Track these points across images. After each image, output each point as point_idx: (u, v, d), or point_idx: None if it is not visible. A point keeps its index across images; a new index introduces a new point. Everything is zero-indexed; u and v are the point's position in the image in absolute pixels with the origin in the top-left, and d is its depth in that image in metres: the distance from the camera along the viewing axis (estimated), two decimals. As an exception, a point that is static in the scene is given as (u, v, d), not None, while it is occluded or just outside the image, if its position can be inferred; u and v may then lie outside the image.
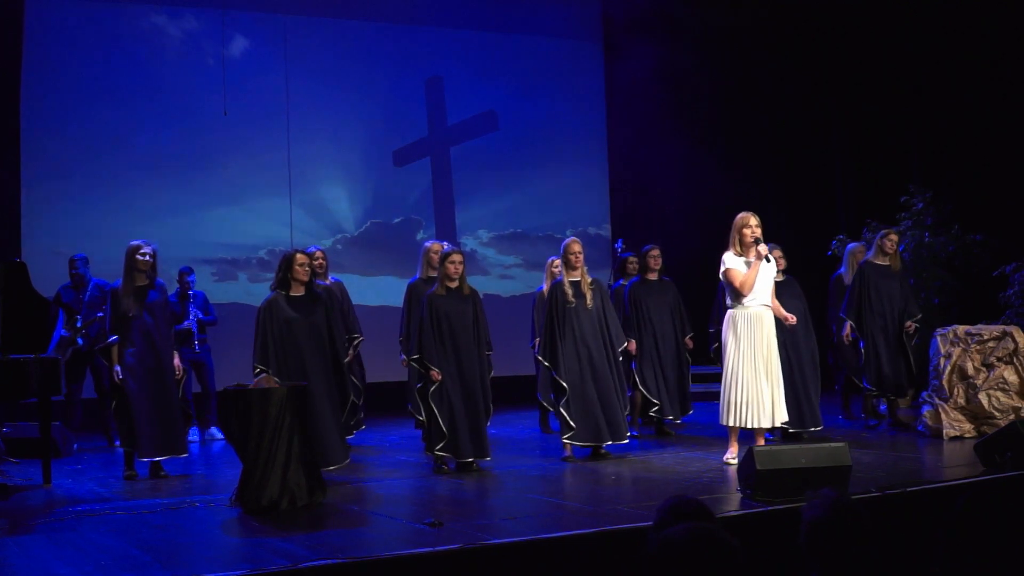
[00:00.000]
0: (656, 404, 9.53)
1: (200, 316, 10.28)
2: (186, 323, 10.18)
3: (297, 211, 13.11)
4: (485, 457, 7.82)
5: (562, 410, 8.15)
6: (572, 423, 8.11)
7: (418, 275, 9.30)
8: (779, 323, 8.02)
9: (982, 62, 12.31)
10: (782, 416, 7.69)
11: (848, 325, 9.52)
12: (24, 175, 11.87)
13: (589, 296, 8.32)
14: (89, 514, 6.33)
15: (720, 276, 7.74)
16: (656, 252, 9.83)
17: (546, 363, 8.28)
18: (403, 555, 4.99)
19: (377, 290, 13.21)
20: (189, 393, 10.30)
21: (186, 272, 10.38)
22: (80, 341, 9.62)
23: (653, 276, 9.82)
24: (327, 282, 9.27)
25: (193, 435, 10.17)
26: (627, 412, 8.79)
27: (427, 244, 9.43)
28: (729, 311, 7.69)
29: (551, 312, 8.30)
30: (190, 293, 10.31)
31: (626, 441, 8.33)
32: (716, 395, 10.97)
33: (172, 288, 10.53)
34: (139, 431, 7.64)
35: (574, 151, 14.72)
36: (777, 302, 7.82)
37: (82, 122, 12.12)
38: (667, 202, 14.50)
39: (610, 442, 8.20)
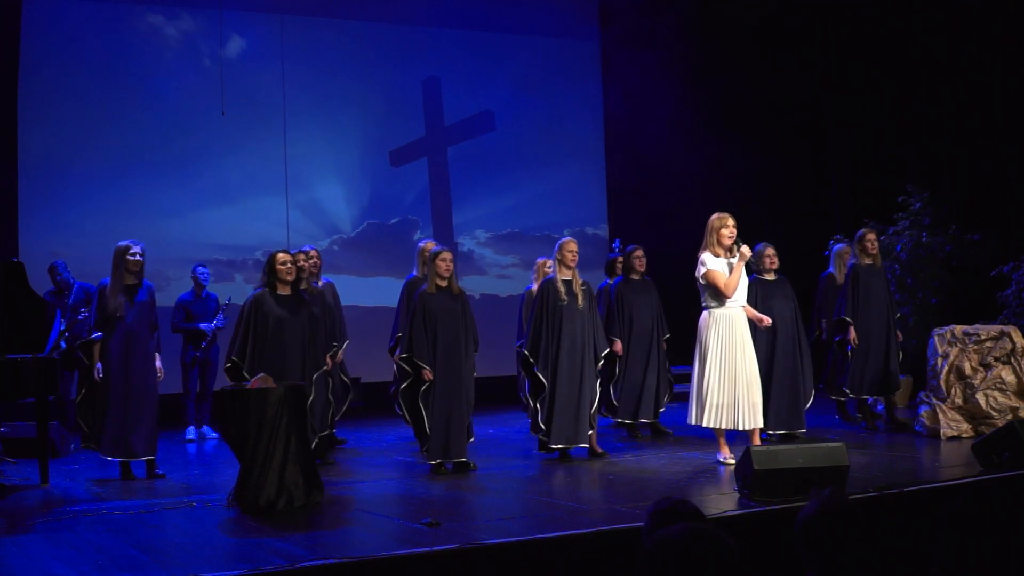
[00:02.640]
0: (616, 405, 9.55)
1: (221, 323, 10.28)
2: (202, 325, 10.19)
3: (293, 211, 13.11)
4: (462, 458, 7.81)
5: (537, 406, 8.16)
6: (542, 424, 8.12)
7: (415, 273, 9.33)
8: (780, 324, 8.06)
9: (979, 62, 12.31)
10: (759, 419, 7.69)
11: (852, 328, 9.49)
12: (21, 175, 11.86)
13: (580, 297, 8.32)
14: (86, 514, 6.32)
15: (699, 277, 7.73)
16: (640, 253, 9.86)
17: (531, 358, 8.26)
18: (400, 555, 4.99)
19: (374, 291, 13.20)
20: (193, 392, 10.32)
21: (200, 268, 10.48)
22: (63, 344, 9.62)
23: (636, 276, 9.84)
24: (319, 283, 9.24)
25: (190, 434, 10.17)
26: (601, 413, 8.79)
27: (422, 243, 9.48)
28: (709, 312, 7.69)
29: (540, 308, 8.30)
30: (205, 292, 10.36)
31: (585, 446, 8.30)
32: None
33: (184, 288, 10.61)
34: (106, 429, 7.64)
35: (571, 151, 14.72)
36: (748, 307, 7.84)
37: (79, 122, 12.12)
38: (664, 202, 14.49)
39: (576, 445, 8.19)
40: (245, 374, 7.19)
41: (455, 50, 14.11)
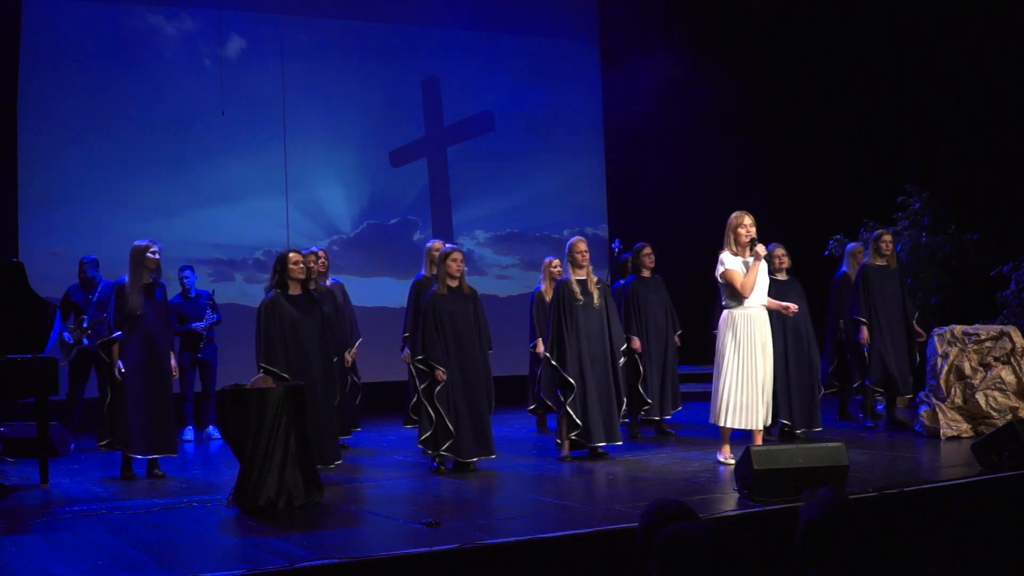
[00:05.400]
0: (649, 403, 9.54)
1: (215, 319, 10.30)
2: (194, 325, 10.20)
3: (293, 212, 13.11)
4: (491, 455, 7.83)
5: (569, 408, 8.16)
6: (579, 421, 8.12)
7: (423, 272, 9.35)
8: (781, 319, 8.03)
9: (979, 62, 12.32)
10: (769, 417, 7.69)
11: (865, 328, 9.47)
12: (21, 175, 11.86)
13: (596, 295, 8.33)
14: (86, 514, 6.33)
15: (718, 276, 7.74)
16: (649, 250, 9.85)
17: (553, 361, 8.28)
18: (400, 555, 4.99)
19: (374, 291, 13.20)
20: (190, 392, 10.32)
21: (183, 270, 10.45)
22: (86, 341, 9.62)
23: (647, 274, 9.84)
24: (327, 283, 9.27)
25: (188, 435, 10.16)
26: (624, 414, 8.80)
27: (430, 243, 9.49)
28: (727, 311, 7.67)
29: (558, 310, 8.30)
30: (193, 293, 10.35)
31: (619, 443, 8.33)
32: (704, 395, 11.04)
33: (176, 289, 10.61)
34: (132, 428, 7.65)
35: (570, 151, 14.71)
36: (770, 299, 7.81)
37: (79, 122, 12.12)
38: (663, 202, 14.51)
39: (605, 443, 8.20)
40: (285, 376, 7.21)
41: (455, 50, 14.10)
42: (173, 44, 12.74)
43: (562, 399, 8.27)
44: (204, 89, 12.59)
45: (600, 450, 8.28)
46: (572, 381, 8.17)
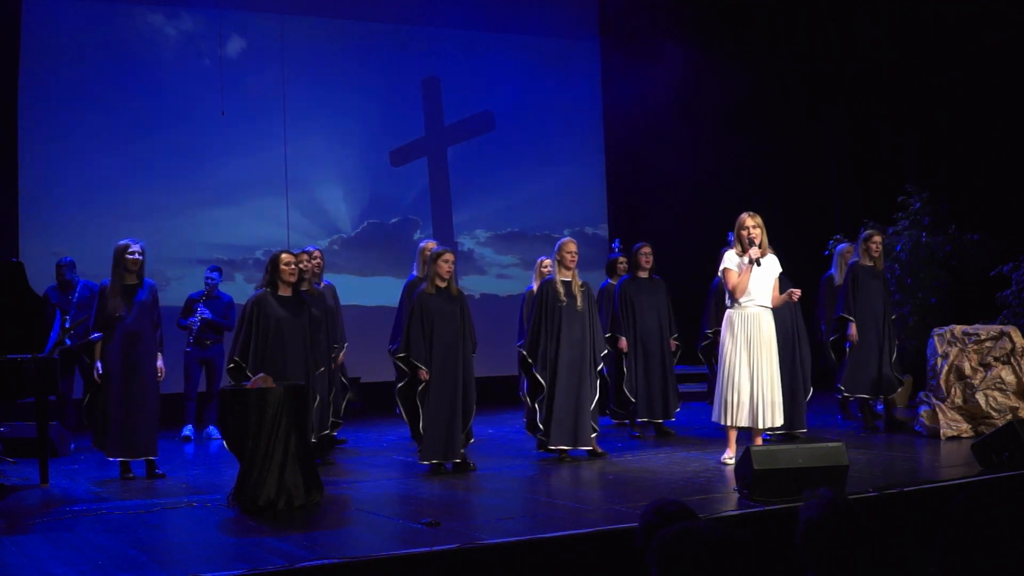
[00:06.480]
0: (632, 402, 9.52)
1: (207, 316, 10.26)
2: (186, 320, 10.20)
3: (294, 211, 13.11)
4: (456, 459, 7.79)
5: (535, 406, 8.17)
6: (540, 424, 8.13)
7: (415, 273, 9.32)
8: (779, 323, 8.04)
9: (979, 62, 12.31)
10: (779, 418, 7.66)
11: (853, 325, 9.46)
12: (21, 175, 11.86)
13: (579, 298, 8.30)
14: (86, 514, 6.33)
15: (719, 274, 7.78)
16: (647, 250, 9.80)
17: (529, 359, 8.26)
18: (400, 555, 4.99)
19: (374, 291, 13.21)
20: (194, 392, 10.31)
21: (209, 270, 10.52)
22: (68, 341, 9.63)
23: (644, 274, 9.80)
24: (320, 284, 9.24)
25: (187, 432, 10.14)
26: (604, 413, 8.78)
27: (423, 243, 9.47)
28: (727, 311, 7.69)
29: (540, 309, 8.29)
30: (217, 293, 10.36)
31: (587, 448, 8.27)
32: (701, 395, 11.05)
33: (187, 287, 10.61)
34: (109, 430, 7.64)
35: (571, 150, 14.72)
36: (778, 295, 7.79)
37: (79, 122, 12.12)
38: (664, 202, 14.51)
39: (577, 447, 8.18)
40: (248, 374, 7.18)
41: (455, 50, 14.11)
42: (173, 44, 12.74)
43: (528, 396, 8.29)
44: (204, 89, 12.58)
45: (600, 450, 8.29)
46: (541, 381, 8.15)
